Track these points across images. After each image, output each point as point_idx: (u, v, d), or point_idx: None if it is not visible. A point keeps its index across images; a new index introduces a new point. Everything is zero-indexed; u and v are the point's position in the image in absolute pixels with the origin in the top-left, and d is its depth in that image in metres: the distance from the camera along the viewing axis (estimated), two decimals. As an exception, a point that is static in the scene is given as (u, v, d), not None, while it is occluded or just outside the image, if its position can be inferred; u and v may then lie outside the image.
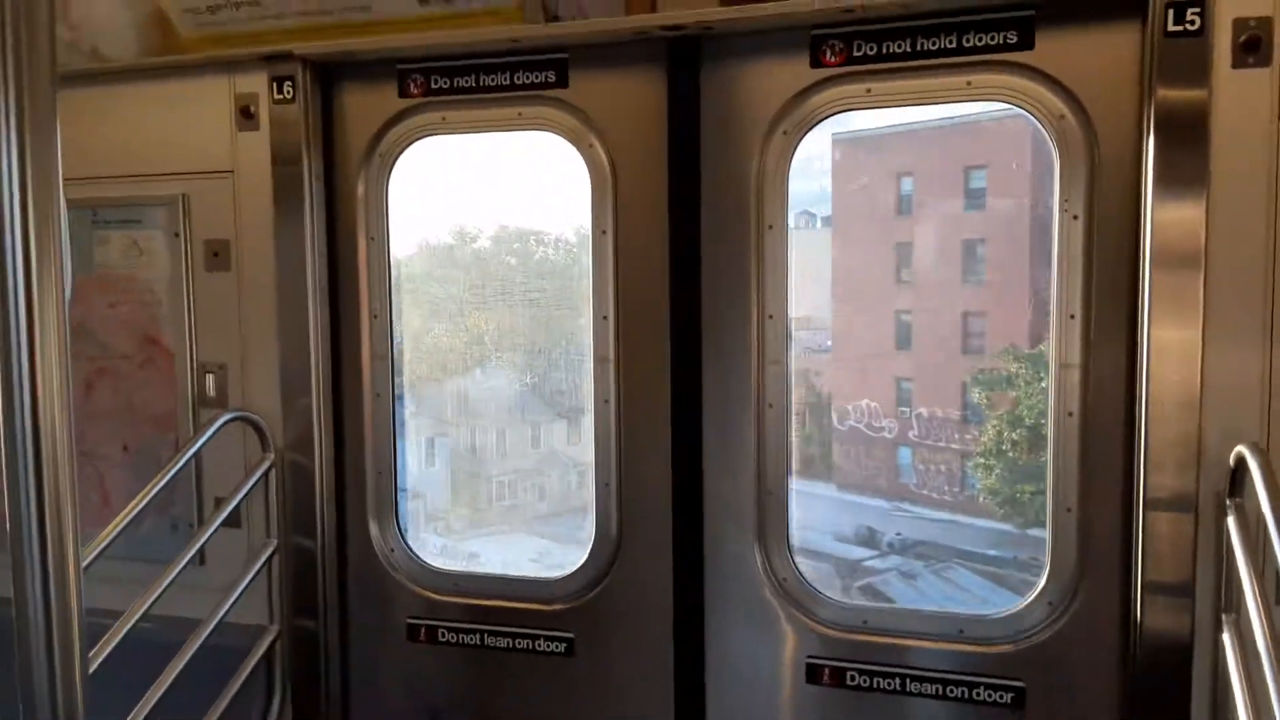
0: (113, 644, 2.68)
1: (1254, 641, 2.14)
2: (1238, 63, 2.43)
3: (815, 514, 3.50)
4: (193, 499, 3.49)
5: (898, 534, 2.91)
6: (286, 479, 3.40)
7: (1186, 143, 2.49)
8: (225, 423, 3.25)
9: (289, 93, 3.27)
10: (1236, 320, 2.49)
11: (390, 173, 3.36)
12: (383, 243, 3.40)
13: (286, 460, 3.39)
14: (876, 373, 3.60)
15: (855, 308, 3.59)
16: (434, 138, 3.32)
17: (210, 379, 3.46)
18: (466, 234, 3.67)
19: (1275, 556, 2.05)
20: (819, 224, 3.38)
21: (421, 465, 3.83)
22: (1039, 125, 2.72)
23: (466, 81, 3.22)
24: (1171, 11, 2.45)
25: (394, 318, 3.43)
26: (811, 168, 3.07)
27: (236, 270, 3.39)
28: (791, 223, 3.02)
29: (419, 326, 3.68)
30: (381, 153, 3.35)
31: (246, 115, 3.32)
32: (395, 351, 3.45)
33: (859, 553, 3.51)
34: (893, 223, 3.64)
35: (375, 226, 3.39)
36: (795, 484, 3.09)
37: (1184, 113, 2.48)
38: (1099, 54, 2.64)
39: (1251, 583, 2.21)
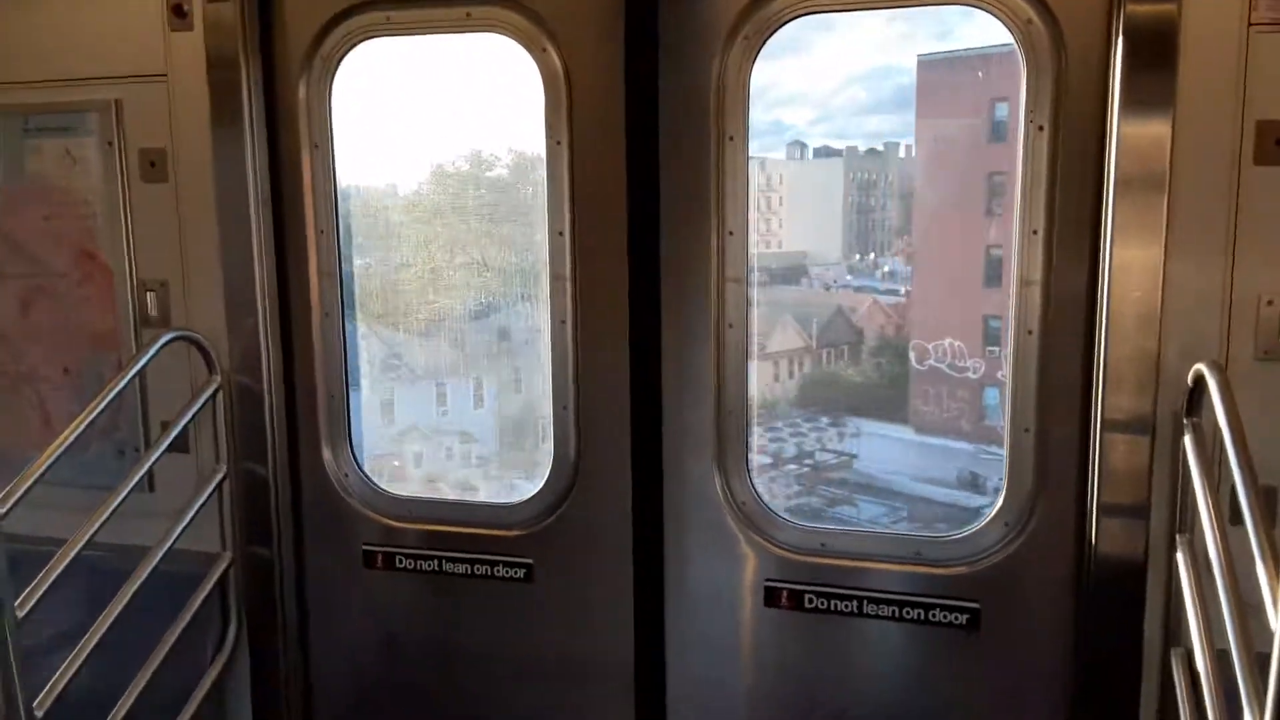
0: (56, 572, 2.81)
1: (1208, 561, 2.27)
2: None
3: (900, 458, 3.59)
4: (138, 423, 3.61)
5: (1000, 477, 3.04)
6: (234, 402, 3.52)
7: (1155, 54, 2.57)
8: (166, 342, 3.33)
9: None
10: (1199, 240, 2.60)
11: (334, 77, 3.40)
12: (328, 153, 3.46)
13: (234, 382, 3.50)
14: (962, 310, 3.58)
15: (939, 242, 3.59)
16: (379, 39, 3.36)
17: (151, 297, 3.55)
18: (416, 148, 3.70)
19: (1231, 475, 2.15)
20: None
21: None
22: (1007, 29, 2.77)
23: None
24: None
25: (341, 233, 3.51)
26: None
27: (174, 181, 3.45)
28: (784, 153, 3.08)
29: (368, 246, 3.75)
30: (324, 55, 3.38)
31: (179, 14, 3.34)
32: (343, 269, 3.54)
33: (976, 499, 3.52)
34: (985, 150, 3.55)
35: (319, 134, 3.44)
36: (868, 426, 3.19)
37: (1153, 22, 2.56)
38: None
39: (1206, 501, 2.33)
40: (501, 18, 3.21)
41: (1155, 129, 2.59)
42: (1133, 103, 2.60)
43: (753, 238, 3.14)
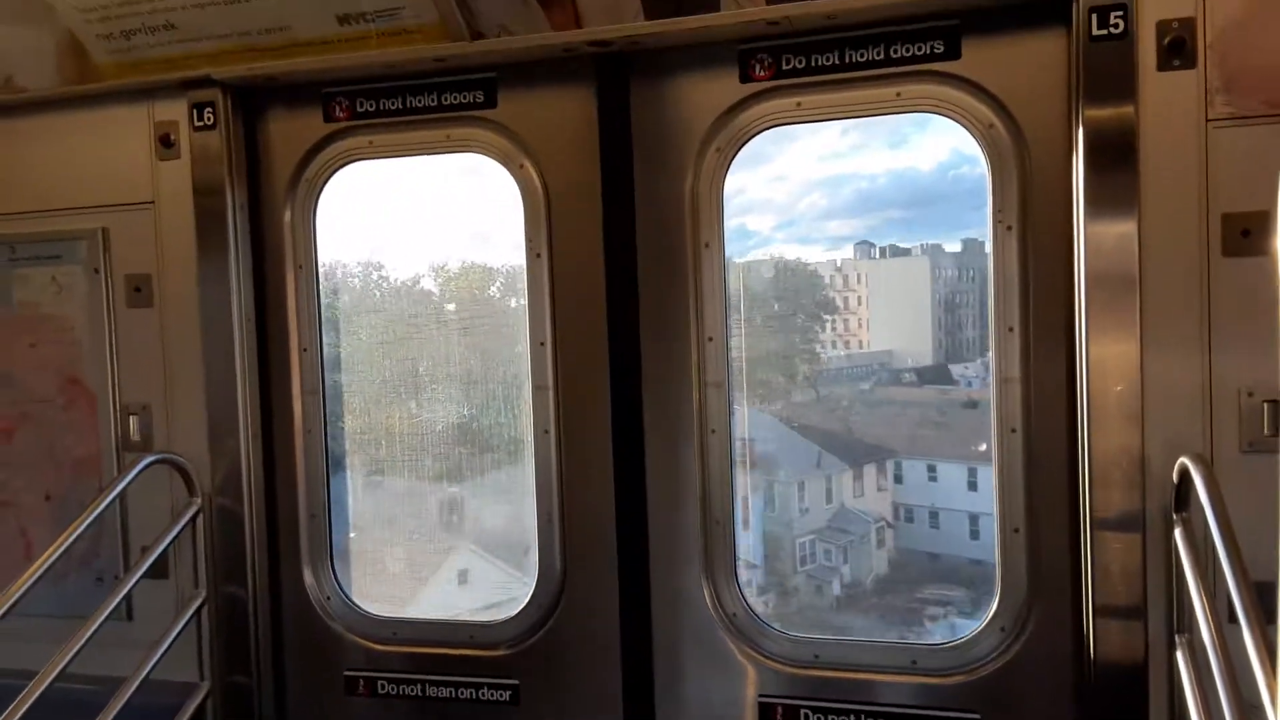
0: (28, 704, 2.73)
1: (1208, 661, 2.22)
2: (1163, 65, 2.59)
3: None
4: (118, 549, 3.58)
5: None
6: (215, 525, 3.49)
7: (1116, 154, 2.64)
8: (146, 465, 3.33)
9: (209, 119, 3.39)
10: (1174, 334, 2.63)
11: (317, 200, 3.49)
12: (311, 272, 3.52)
13: (215, 505, 3.48)
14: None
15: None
16: (361, 163, 3.45)
17: (134, 421, 3.56)
18: (399, 263, 3.77)
19: (1225, 574, 2.12)
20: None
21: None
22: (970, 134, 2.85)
23: (393, 104, 3.36)
24: (1095, 16, 2.60)
25: (324, 351, 3.54)
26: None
27: (159, 306, 3.50)
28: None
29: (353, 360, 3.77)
30: (308, 179, 3.48)
31: (166, 144, 3.45)
32: (327, 387, 3.56)
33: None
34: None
35: (303, 255, 3.51)
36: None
37: (1112, 123, 2.64)
38: (1025, 61, 2.80)
39: (1202, 601, 2.29)
40: (480, 138, 3.30)
41: (1121, 226, 2.63)
42: (1098, 201, 2.66)
43: (733, 342, 3.17)
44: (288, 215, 3.50)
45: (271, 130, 3.51)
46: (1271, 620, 1.85)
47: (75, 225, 3.56)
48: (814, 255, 3.46)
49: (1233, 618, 2.04)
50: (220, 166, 3.41)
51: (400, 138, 3.39)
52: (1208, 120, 2.57)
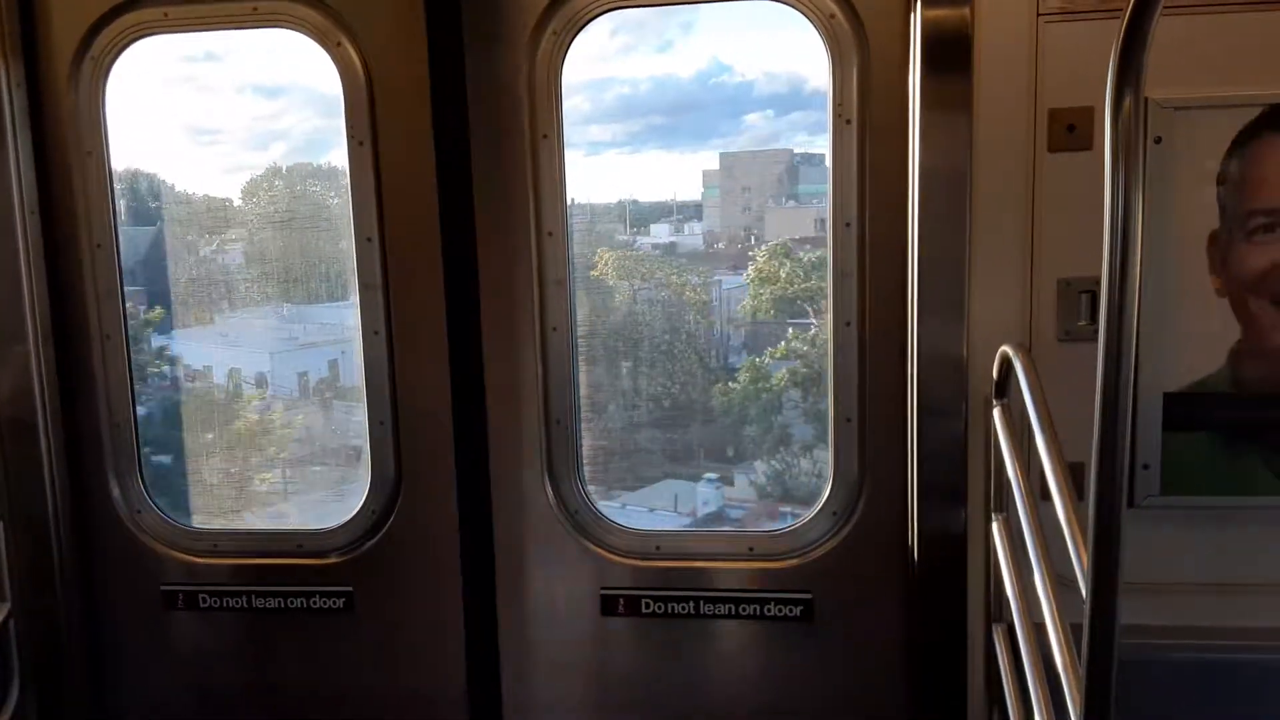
0: None
1: (1023, 537, 2.38)
2: None
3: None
4: (-101, 469, 3.26)
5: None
6: (5, 438, 3.23)
7: (951, 52, 2.70)
8: None
9: None
10: (1000, 228, 2.75)
11: (106, 79, 3.19)
12: (102, 159, 3.23)
13: (4, 416, 3.22)
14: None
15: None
16: (156, 37, 3.16)
17: (-99, 326, 3.21)
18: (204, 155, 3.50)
19: (1040, 454, 2.26)
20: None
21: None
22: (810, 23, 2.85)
23: None
24: None
25: (120, 247, 3.26)
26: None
27: None
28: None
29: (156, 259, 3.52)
30: (94, 56, 3.17)
31: None
32: (124, 286, 3.30)
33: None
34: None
35: (91, 141, 3.21)
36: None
37: (949, 20, 2.69)
38: None
39: (1017, 480, 2.45)
40: (291, 11, 3.07)
41: (955, 122, 2.71)
42: (933, 98, 2.72)
43: (573, 237, 3.12)
44: (73, 96, 3.18)
45: (51, 1, 3.14)
46: (1081, 498, 1.98)
47: None
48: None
49: (1046, 496, 2.20)
50: None
51: (200, 10, 3.11)
52: (1039, 15, 2.66)
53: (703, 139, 3.25)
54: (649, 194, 3.41)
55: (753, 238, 3.67)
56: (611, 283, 3.49)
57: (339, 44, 3.06)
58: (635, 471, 3.54)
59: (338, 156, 3.19)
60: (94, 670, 3.47)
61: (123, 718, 3.51)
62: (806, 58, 2.99)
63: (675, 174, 3.43)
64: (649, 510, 3.58)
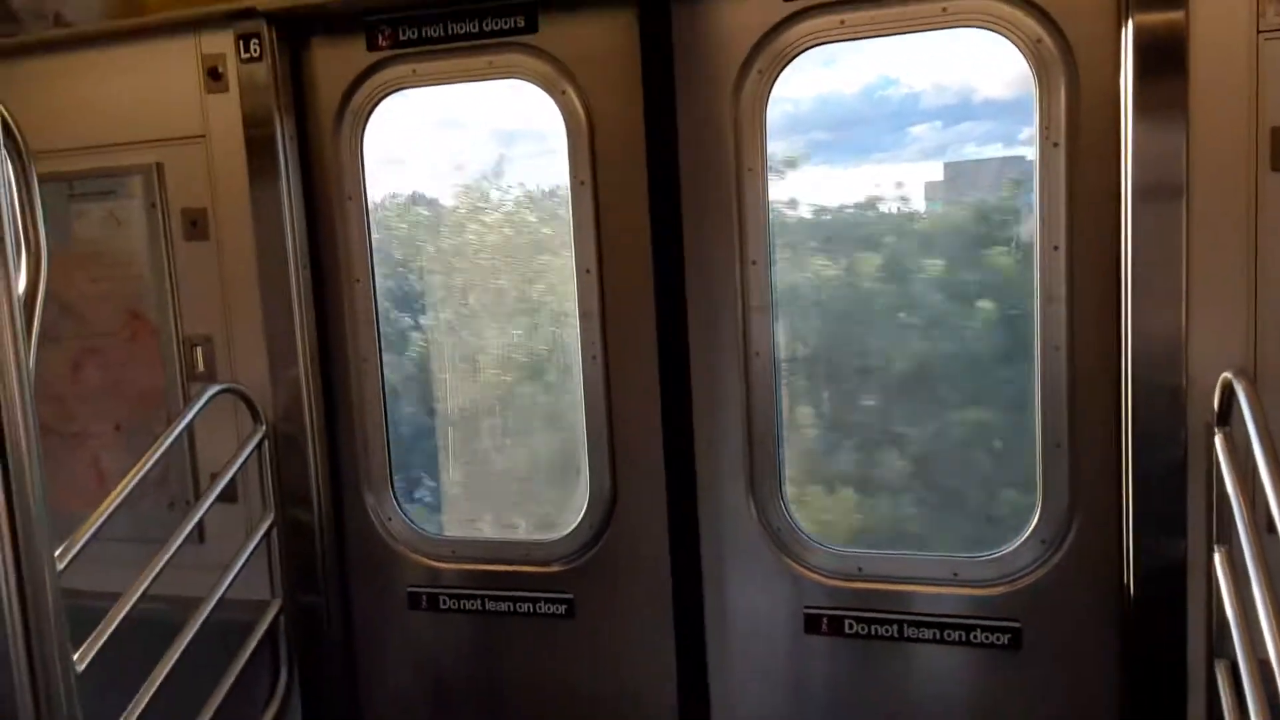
0: (110, 629, 2.89)
1: (1246, 571, 2.28)
2: None
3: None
4: (188, 476, 3.76)
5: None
6: (279, 451, 3.65)
7: (1164, 66, 2.63)
8: (213, 396, 3.47)
9: (256, 51, 3.46)
10: (1220, 249, 2.64)
11: (364, 130, 3.56)
12: (361, 203, 3.61)
13: (278, 432, 3.64)
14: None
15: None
16: (406, 91, 3.51)
17: (198, 352, 3.70)
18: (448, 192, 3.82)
19: (1264, 485, 2.17)
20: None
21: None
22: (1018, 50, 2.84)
23: (435, 31, 3.39)
24: None
25: (377, 281, 3.64)
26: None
27: (215, 239, 3.62)
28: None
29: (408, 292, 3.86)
30: (353, 109, 3.54)
31: (214, 76, 3.52)
32: (380, 316, 3.67)
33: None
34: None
35: (352, 186, 3.59)
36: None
37: (1161, 33, 2.61)
38: None
39: (1242, 512, 2.35)
40: (521, 64, 3.34)
41: (1170, 139, 2.63)
42: (1146, 114, 2.65)
43: (776, 266, 3.23)
44: (336, 146, 3.58)
45: (317, 61, 3.56)
46: None
47: (129, 160, 3.66)
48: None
49: (1271, 529, 2.10)
50: (268, 98, 3.48)
51: (443, 65, 3.43)
52: (1259, 31, 2.55)
53: (866, 153, 3.29)
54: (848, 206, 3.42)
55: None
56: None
57: (563, 92, 3.31)
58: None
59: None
60: (349, 662, 3.83)
61: (373, 706, 3.86)
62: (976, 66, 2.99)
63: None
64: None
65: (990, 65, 3.01)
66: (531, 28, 3.31)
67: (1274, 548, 2.11)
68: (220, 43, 3.50)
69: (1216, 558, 2.62)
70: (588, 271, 3.37)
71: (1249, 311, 2.63)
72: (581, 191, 3.34)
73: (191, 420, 3.40)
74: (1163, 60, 2.63)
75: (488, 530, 3.83)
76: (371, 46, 3.48)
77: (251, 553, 3.52)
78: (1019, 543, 3.04)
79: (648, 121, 3.21)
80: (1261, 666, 2.19)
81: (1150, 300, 2.70)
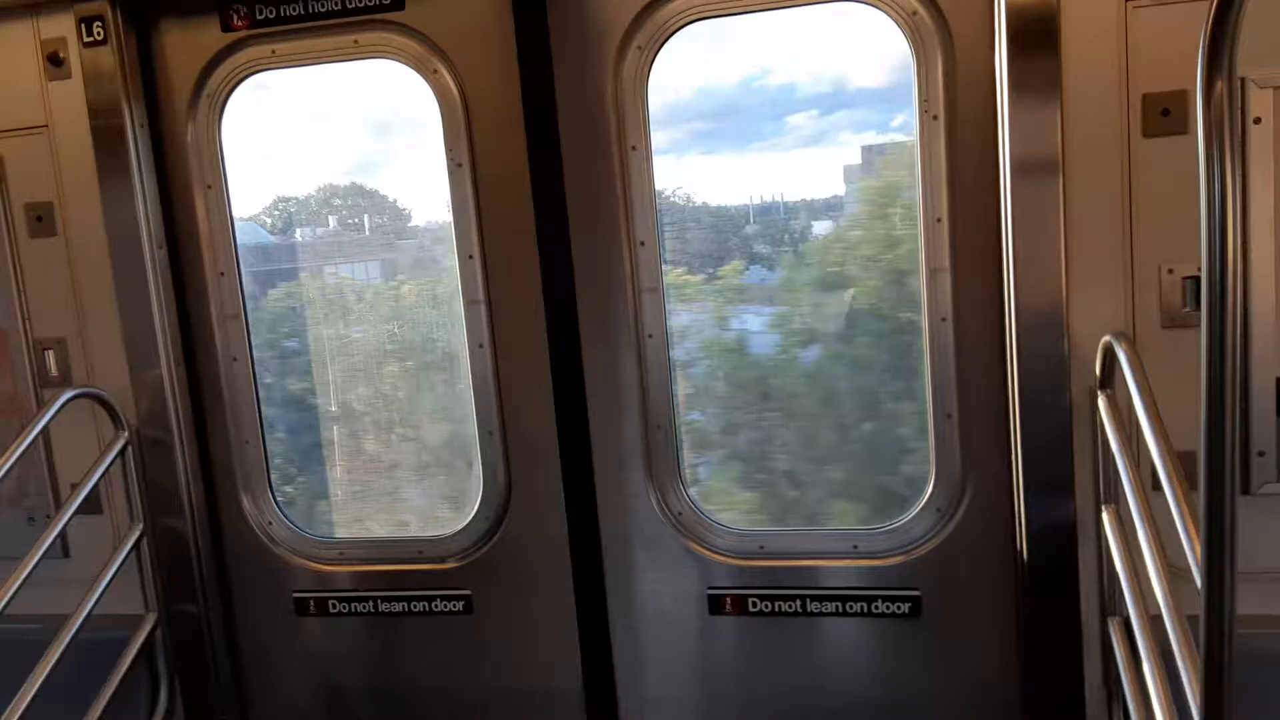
0: None
1: (1134, 528, 2.33)
2: None
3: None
4: (46, 488, 3.51)
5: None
6: (145, 457, 3.43)
7: (1037, 41, 2.64)
8: (67, 401, 3.23)
9: (99, 34, 3.22)
10: (1096, 217, 2.69)
11: (222, 115, 3.36)
12: (222, 192, 3.40)
13: (142, 436, 3.42)
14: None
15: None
16: (265, 73, 3.31)
17: (50, 355, 3.45)
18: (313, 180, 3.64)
19: (1148, 445, 2.21)
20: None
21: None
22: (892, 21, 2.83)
23: (294, 9, 3.21)
24: None
25: (242, 273, 3.43)
26: None
27: (64, 234, 3.37)
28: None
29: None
30: (209, 94, 3.34)
31: (55, 62, 3.27)
32: (248, 310, 3.47)
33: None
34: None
35: (211, 175, 3.39)
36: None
37: (1033, 8, 2.63)
38: None
39: (1127, 471, 2.40)
40: (390, 42, 3.18)
41: (1044, 111, 2.66)
42: (1020, 88, 2.67)
43: (664, 246, 3.16)
44: (190, 133, 3.36)
45: (167, 43, 3.33)
46: (1193, 486, 1.94)
47: None
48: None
49: (1156, 486, 2.14)
50: (115, 85, 3.25)
51: (305, 45, 3.25)
52: (1127, 1, 2.59)
53: (745, 142, 3.27)
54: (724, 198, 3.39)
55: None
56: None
57: (435, 71, 3.16)
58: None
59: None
60: (235, 674, 3.65)
61: (263, 716, 3.68)
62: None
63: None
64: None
65: (866, 52, 3.00)
66: (399, 4, 3.14)
67: (1159, 505, 2.15)
68: (60, 26, 3.25)
69: (1105, 517, 2.69)
70: (470, 257, 3.24)
71: (1126, 275, 2.69)
72: (459, 174, 3.21)
73: (44, 428, 3.16)
74: (1035, 33, 2.65)
75: (377, 529, 3.69)
76: (226, 27, 3.27)
77: (120, 565, 3.30)
78: (914, 513, 3.07)
79: (525, 100, 3.10)
80: (1153, 622, 2.25)
81: (1031, 269, 2.73)
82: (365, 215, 3.68)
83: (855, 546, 3.13)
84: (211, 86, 3.33)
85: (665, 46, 3.02)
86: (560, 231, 3.14)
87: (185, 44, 3.32)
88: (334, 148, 3.53)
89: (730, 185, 3.30)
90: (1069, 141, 2.66)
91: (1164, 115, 2.59)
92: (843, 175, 3.21)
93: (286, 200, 3.67)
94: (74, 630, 3.07)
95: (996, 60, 2.73)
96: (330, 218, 3.68)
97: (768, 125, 3.17)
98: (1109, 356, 2.58)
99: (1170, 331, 2.68)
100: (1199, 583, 1.64)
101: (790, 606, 3.16)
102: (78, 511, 3.20)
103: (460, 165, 3.19)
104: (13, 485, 3.45)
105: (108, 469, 3.33)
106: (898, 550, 3.09)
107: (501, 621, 3.42)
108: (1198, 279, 2.57)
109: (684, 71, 3.11)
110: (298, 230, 3.69)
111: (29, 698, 2.87)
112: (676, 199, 3.30)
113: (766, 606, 3.18)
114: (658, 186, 3.15)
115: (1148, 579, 2.23)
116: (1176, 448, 2.13)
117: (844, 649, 3.18)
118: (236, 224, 3.44)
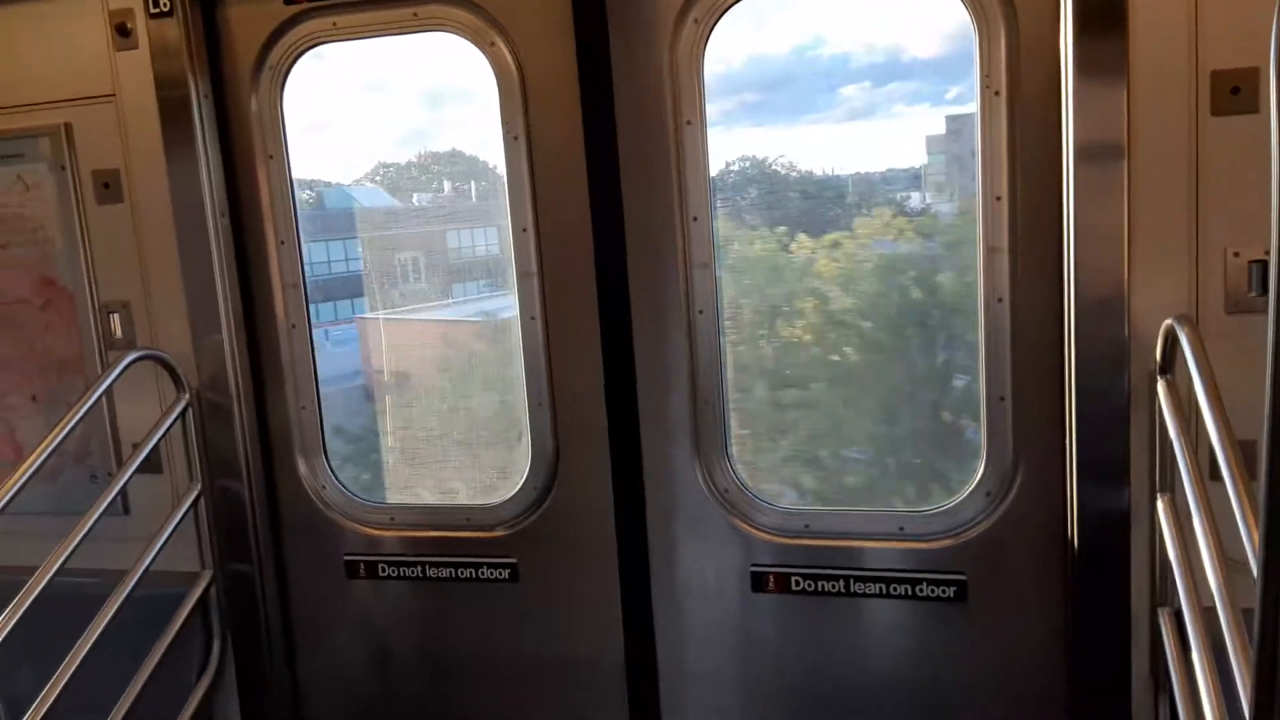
0: (28, 601, 2.77)
1: (1190, 517, 2.27)
2: None
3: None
4: (109, 447, 3.59)
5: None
6: (205, 419, 3.50)
7: (1104, 16, 2.56)
8: (131, 362, 3.30)
9: (165, 5, 3.26)
10: (1161, 198, 2.60)
11: (284, 86, 3.39)
12: (283, 162, 3.44)
13: (203, 399, 3.48)
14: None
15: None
16: (327, 45, 3.34)
17: (115, 319, 3.53)
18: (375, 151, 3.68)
19: (1208, 432, 2.15)
20: None
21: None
22: (956, -3, 2.77)
23: None
24: None
25: (302, 242, 3.48)
26: None
27: (130, 201, 3.43)
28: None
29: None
30: (271, 65, 3.37)
31: (123, 33, 3.32)
32: (307, 279, 3.51)
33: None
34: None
35: (273, 145, 3.43)
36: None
37: None
38: None
39: (1185, 459, 2.33)
40: (448, 15, 3.18)
41: (1110, 89, 2.58)
42: (1086, 64, 2.60)
43: (716, 222, 3.13)
44: (254, 104, 3.40)
45: (231, 16, 3.37)
46: (1253, 476, 1.88)
47: (36, 122, 3.45)
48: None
49: (1214, 475, 2.08)
50: (180, 56, 3.29)
51: (365, 18, 3.26)
52: None
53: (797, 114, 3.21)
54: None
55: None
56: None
57: (492, 44, 3.16)
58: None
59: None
60: (286, 632, 3.72)
61: (311, 676, 3.76)
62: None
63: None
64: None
65: (921, 22, 2.94)
66: None
67: (1217, 494, 2.09)
68: None
69: (1160, 505, 2.62)
70: (524, 230, 3.25)
71: (1190, 258, 2.60)
72: (515, 147, 3.21)
73: (108, 388, 3.25)
74: (1101, 14, 2.57)
75: (427, 496, 3.73)
76: (288, 0, 3.30)
77: (178, 524, 3.37)
78: (964, 496, 3.02)
79: (581, 74, 3.09)
80: (1205, 614, 2.19)
81: (1092, 250, 2.66)
82: (472, 181, 3.71)
83: (902, 528, 3.09)
84: (273, 59, 3.37)
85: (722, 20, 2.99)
86: (614, 205, 3.13)
87: (248, 17, 3.36)
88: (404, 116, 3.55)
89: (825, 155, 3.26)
90: (1134, 119, 2.58)
91: (1234, 93, 2.50)
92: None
93: (388, 165, 3.71)
94: (131, 585, 3.14)
95: (1061, 35, 2.65)
96: (446, 182, 3.72)
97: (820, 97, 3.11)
98: (1170, 341, 2.50)
99: (1235, 317, 2.59)
100: (1256, 574, 1.59)
101: (833, 586, 3.13)
102: (138, 470, 3.27)
103: (516, 138, 3.20)
104: (76, 443, 3.52)
105: (168, 430, 3.39)
106: (946, 534, 3.04)
107: (547, 591, 3.44)
108: (1264, 263, 2.51)
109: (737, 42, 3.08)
110: (414, 195, 3.74)
111: (87, 648, 2.94)
112: (778, 167, 3.28)
113: (810, 585, 3.16)
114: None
115: (1202, 570, 2.17)
116: (1237, 436, 2.07)
117: (886, 631, 3.14)
118: (350, 187, 3.47)
